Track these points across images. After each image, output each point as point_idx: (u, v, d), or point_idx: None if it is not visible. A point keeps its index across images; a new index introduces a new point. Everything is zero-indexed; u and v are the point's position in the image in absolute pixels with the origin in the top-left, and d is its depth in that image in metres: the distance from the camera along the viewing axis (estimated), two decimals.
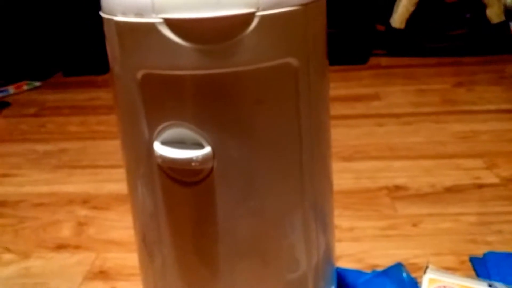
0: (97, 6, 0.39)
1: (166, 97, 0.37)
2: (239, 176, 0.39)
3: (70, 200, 0.83)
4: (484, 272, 0.58)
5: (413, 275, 0.58)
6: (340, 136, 1.00)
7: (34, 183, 0.91)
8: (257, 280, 0.43)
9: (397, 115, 1.09)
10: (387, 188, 0.80)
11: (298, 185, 0.42)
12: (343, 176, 0.84)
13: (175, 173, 0.39)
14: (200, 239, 0.41)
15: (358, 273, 0.60)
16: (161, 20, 0.34)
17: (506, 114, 1.06)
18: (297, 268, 0.45)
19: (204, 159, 0.37)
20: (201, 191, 0.39)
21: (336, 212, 0.73)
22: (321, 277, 0.47)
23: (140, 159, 0.40)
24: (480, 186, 0.78)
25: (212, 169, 0.38)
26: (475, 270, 0.59)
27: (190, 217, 0.41)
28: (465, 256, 0.62)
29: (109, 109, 1.24)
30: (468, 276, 0.57)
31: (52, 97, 1.40)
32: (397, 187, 0.80)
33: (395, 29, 1.51)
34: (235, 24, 0.34)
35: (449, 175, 0.82)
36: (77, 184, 0.89)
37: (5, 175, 0.95)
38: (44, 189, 0.88)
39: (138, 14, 0.34)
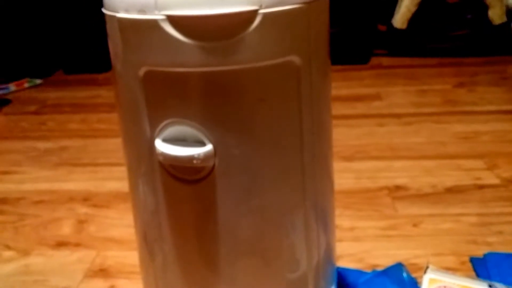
0: (99, 4, 0.39)
1: (168, 95, 0.36)
2: (241, 174, 0.39)
3: (71, 198, 0.83)
4: (484, 273, 0.58)
5: (414, 275, 0.58)
6: (341, 136, 1.00)
7: (34, 180, 0.91)
8: (257, 279, 0.43)
9: (398, 115, 1.09)
10: (387, 188, 0.80)
11: (299, 184, 0.42)
12: (344, 176, 0.84)
13: (176, 170, 0.38)
14: (201, 237, 0.41)
15: (359, 272, 0.60)
16: (163, 17, 0.34)
17: (507, 115, 1.06)
18: (298, 267, 0.44)
19: (206, 157, 0.37)
20: (202, 189, 0.39)
21: (337, 211, 0.73)
22: (322, 276, 0.47)
23: (141, 156, 0.40)
24: (481, 187, 0.78)
25: (213, 167, 0.38)
26: (475, 270, 0.59)
27: (191, 215, 0.41)
28: (465, 257, 0.62)
29: (110, 107, 1.24)
30: (469, 276, 0.57)
31: (53, 95, 1.40)
32: (398, 187, 0.80)
33: (396, 29, 1.51)
34: (238, 22, 0.34)
35: (449, 175, 0.82)
36: (77, 181, 0.89)
37: (5, 173, 0.95)
38: (45, 186, 0.88)
39: (141, 11, 0.34)
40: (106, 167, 0.94)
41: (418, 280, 0.56)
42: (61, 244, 0.71)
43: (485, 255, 0.61)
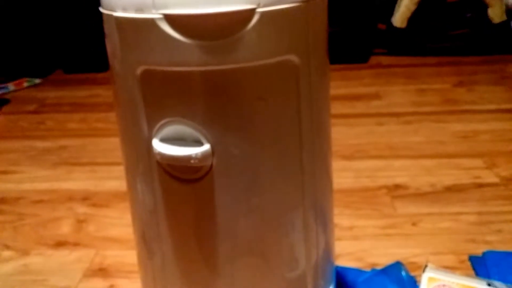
0: (98, 3, 0.39)
1: (165, 94, 0.36)
2: (239, 173, 0.39)
3: (70, 197, 0.83)
4: (483, 271, 0.58)
5: (413, 274, 0.58)
6: (340, 135, 1.00)
7: (33, 180, 0.91)
8: (256, 278, 0.43)
9: (397, 115, 1.09)
10: (387, 187, 0.80)
11: (298, 182, 0.42)
12: (343, 175, 0.84)
13: (174, 170, 0.38)
14: (200, 236, 0.41)
15: (358, 271, 0.60)
16: (161, 16, 0.34)
17: (506, 114, 1.06)
18: (297, 266, 0.44)
19: (203, 157, 0.37)
20: (200, 189, 0.39)
21: (336, 211, 0.73)
22: (321, 275, 0.47)
23: (139, 156, 0.40)
24: (480, 186, 0.78)
25: (211, 166, 0.38)
26: (474, 269, 0.59)
27: (190, 215, 0.41)
28: (464, 255, 0.62)
29: (109, 106, 1.24)
30: (467, 275, 0.57)
31: (52, 94, 1.40)
32: (397, 186, 0.80)
33: (396, 28, 1.51)
34: (236, 21, 0.34)
35: (449, 174, 0.82)
36: (76, 181, 0.89)
37: (4, 172, 0.94)
38: (44, 186, 0.88)
39: (139, 9, 0.34)
40: (105, 166, 0.93)
41: (417, 279, 0.56)
42: (60, 244, 0.71)
43: (484, 254, 0.61)
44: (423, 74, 1.36)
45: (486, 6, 1.43)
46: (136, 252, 0.48)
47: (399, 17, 1.49)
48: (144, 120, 0.38)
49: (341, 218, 0.72)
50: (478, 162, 0.86)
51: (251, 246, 0.42)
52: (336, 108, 1.14)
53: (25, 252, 0.69)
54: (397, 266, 0.58)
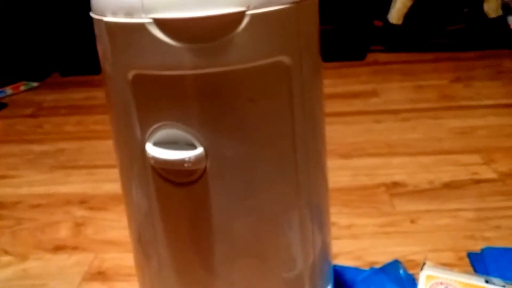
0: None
1: (158, 98, 0.36)
2: (233, 175, 0.39)
3: (68, 201, 0.83)
4: (482, 268, 0.58)
5: (412, 271, 0.58)
6: (338, 133, 1.00)
7: (31, 184, 0.91)
8: (253, 279, 0.43)
9: (395, 112, 1.09)
10: (385, 185, 0.80)
11: (293, 183, 0.42)
12: (341, 173, 0.84)
13: (168, 173, 0.38)
14: (196, 238, 0.41)
15: (356, 270, 0.60)
16: (150, 20, 0.33)
17: (503, 109, 1.06)
18: (294, 266, 0.44)
19: (197, 160, 0.37)
20: (195, 191, 0.39)
21: (335, 209, 0.73)
22: (318, 275, 0.47)
23: (133, 159, 0.40)
24: (478, 182, 0.78)
25: (205, 169, 0.38)
26: (473, 266, 0.59)
27: (185, 217, 0.41)
28: (463, 252, 0.62)
29: (106, 108, 1.24)
30: (466, 272, 0.57)
31: (49, 97, 1.39)
32: (395, 184, 0.80)
33: (392, 25, 1.50)
34: (225, 23, 0.34)
35: (447, 171, 0.82)
36: (74, 184, 0.89)
37: (2, 177, 0.94)
38: (41, 190, 0.88)
39: (128, 14, 0.34)
40: (102, 169, 0.93)
41: (416, 277, 0.56)
42: (58, 248, 0.71)
43: (482, 250, 0.61)
44: (420, 70, 1.35)
45: (482, 1, 1.43)
46: (133, 255, 0.48)
47: (395, 14, 1.49)
48: (137, 124, 0.38)
49: (339, 217, 0.72)
50: (476, 158, 0.86)
51: (247, 247, 0.42)
52: (333, 106, 1.14)
53: (24, 257, 0.69)
54: (395, 264, 0.58)
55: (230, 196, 0.39)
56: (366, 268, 0.60)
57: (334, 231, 0.62)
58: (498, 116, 1.02)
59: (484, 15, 1.44)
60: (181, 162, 0.37)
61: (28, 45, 1.53)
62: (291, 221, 0.43)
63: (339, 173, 0.84)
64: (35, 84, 1.51)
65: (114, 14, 0.35)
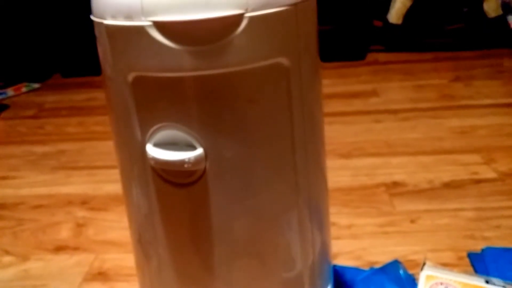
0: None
1: (157, 99, 0.37)
2: (233, 176, 0.39)
3: (69, 202, 0.83)
4: (482, 268, 0.58)
5: (412, 271, 0.58)
6: (338, 133, 1.00)
7: (32, 185, 0.91)
8: (253, 280, 0.43)
9: (394, 111, 1.09)
10: (385, 184, 0.80)
11: (292, 183, 0.42)
12: (341, 173, 0.85)
13: (168, 174, 0.39)
14: (196, 239, 0.42)
15: (356, 270, 0.60)
16: (150, 23, 0.34)
17: (503, 108, 1.06)
18: (293, 267, 0.45)
19: (197, 161, 0.37)
20: (195, 192, 0.39)
21: (335, 209, 0.73)
22: (318, 275, 0.47)
23: (133, 160, 0.40)
24: (478, 181, 0.78)
25: (205, 170, 0.38)
26: (473, 265, 0.59)
27: (185, 218, 0.41)
28: (463, 252, 0.62)
29: (107, 109, 1.24)
30: (466, 272, 0.57)
31: (50, 99, 1.40)
32: (395, 184, 0.80)
33: (392, 25, 1.50)
34: (224, 26, 0.34)
35: (447, 170, 0.82)
36: (75, 185, 0.89)
37: (3, 178, 0.95)
38: (43, 190, 0.88)
39: (128, 17, 0.34)
40: (103, 169, 0.94)
41: (416, 277, 0.57)
42: (60, 248, 0.71)
43: (483, 250, 0.61)
44: (420, 70, 1.35)
45: (481, 0, 1.43)
46: (134, 255, 0.48)
47: (395, 14, 1.49)
48: (137, 125, 0.38)
49: (339, 217, 0.72)
50: (476, 157, 0.86)
51: (247, 247, 0.42)
52: (333, 106, 1.15)
53: (25, 258, 0.70)
54: (394, 264, 0.58)
55: (230, 196, 0.40)
56: (366, 268, 0.61)
57: (334, 231, 0.62)
58: (498, 115, 1.02)
59: (483, 14, 1.44)
60: (181, 163, 0.37)
61: (29, 47, 1.54)
62: (290, 221, 0.43)
63: (339, 173, 0.84)
64: (36, 85, 1.51)
65: (114, 17, 0.35)
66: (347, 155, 0.91)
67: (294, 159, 0.41)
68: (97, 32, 0.38)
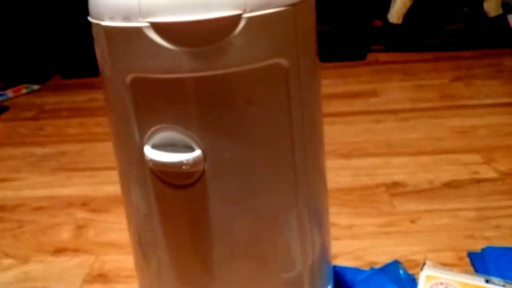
0: None
1: (156, 101, 0.36)
2: (232, 177, 0.39)
3: (69, 203, 0.83)
4: (482, 268, 0.58)
5: (412, 271, 0.58)
6: (338, 133, 1.00)
7: (33, 186, 0.91)
8: (253, 280, 0.43)
9: (395, 111, 1.09)
10: (385, 185, 0.80)
11: (291, 184, 0.42)
12: (342, 173, 0.84)
13: (167, 176, 0.39)
14: (195, 240, 0.42)
15: (356, 270, 0.60)
16: (147, 24, 0.34)
17: (504, 108, 1.06)
18: (293, 267, 0.45)
19: (195, 162, 0.37)
20: (194, 193, 0.39)
21: (335, 209, 0.73)
22: (317, 276, 0.47)
23: (132, 162, 0.40)
24: (478, 181, 0.78)
25: (203, 171, 0.38)
26: (473, 265, 0.59)
27: (184, 219, 0.41)
28: (463, 252, 0.62)
29: (105, 110, 1.24)
30: (467, 271, 0.57)
31: (50, 100, 1.40)
32: (396, 184, 0.80)
33: (392, 25, 1.50)
34: (222, 27, 0.34)
35: (447, 170, 0.82)
36: (75, 186, 0.89)
37: (3, 179, 0.95)
38: (43, 192, 0.88)
39: (126, 18, 0.34)
40: (103, 171, 0.94)
41: (416, 277, 0.56)
42: (60, 250, 0.71)
43: (483, 250, 0.61)
44: (420, 70, 1.35)
45: (481, 0, 1.43)
46: (133, 256, 0.48)
47: (395, 13, 1.49)
48: (135, 127, 0.38)
49: (339, 217, 0.72)
50: (476, 157, 0.86)
51: (246, 248, 0.42)
52: (334, 106, 1.14)
53: (25, 260, 0.70)
54: (394, 264, 0.58)
55: (229, 197, 0.40)
56: (366, 268, 0.60)
57: (334, 231, 0.62)
58: (498, 115, 1.02)
59: (484, 14, 1.44)
60: (179, 164, 0.37)
61: (29, 48, 1.54)
62: (289, 222, 0.43)
63: (339, 173, 0.84)
64: (36, 86, 1.51)
65: (112, 18, 0.35)
66: (347, 155, 0.91)
67: (293, 159, 0.41)
68: (94, 33, 0.38)
